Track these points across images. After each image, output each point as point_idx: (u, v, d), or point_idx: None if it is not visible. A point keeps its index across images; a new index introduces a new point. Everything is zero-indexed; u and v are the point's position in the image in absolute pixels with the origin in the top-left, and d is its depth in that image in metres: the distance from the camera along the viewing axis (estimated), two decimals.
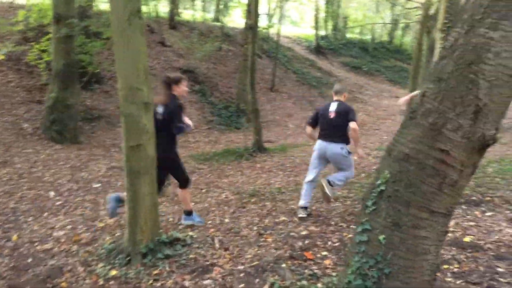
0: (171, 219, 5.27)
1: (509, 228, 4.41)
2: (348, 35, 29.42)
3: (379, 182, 2.16)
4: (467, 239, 4.12)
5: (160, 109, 4.33)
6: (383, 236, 2.09)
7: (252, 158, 9.04)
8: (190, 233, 4.50)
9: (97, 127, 10.91)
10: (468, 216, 4.80)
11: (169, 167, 4.51)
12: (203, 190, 6.87)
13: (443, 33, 5.55)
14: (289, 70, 18.78)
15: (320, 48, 24.62)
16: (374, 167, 8.08)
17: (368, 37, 30.38)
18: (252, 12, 9.50)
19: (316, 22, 25.06)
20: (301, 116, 15.08)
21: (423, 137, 2.00)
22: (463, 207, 5.11)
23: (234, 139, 11.27)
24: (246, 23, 13.23)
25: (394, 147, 2.13)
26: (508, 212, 4.92)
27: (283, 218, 5.14)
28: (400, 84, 24.39)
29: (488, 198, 5.32)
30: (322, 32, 27.26)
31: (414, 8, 21.05)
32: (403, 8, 28.85)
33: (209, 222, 5.10)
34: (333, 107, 5.06)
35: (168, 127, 4.27)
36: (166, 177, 4.66)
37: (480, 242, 4.01)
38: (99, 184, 7.09)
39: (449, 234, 4.25)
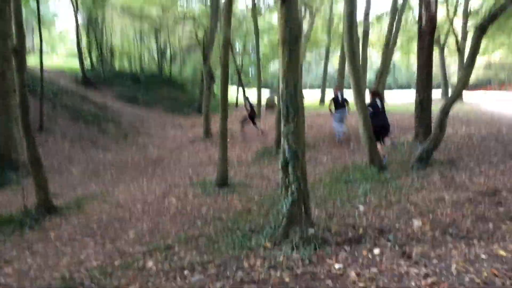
0: None
1: (412, 267, 3.74)
2: (117, 66, 27.59)
3: None
4: None
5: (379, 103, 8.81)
6: None
7: (39, 225, 6.56)
8: None
9: None
10: (361, 259, 3.97)
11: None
12: None
13: (284, 45, 4.74)
14: (58, 105, 15.88)
15: (88, 80, 22.10)
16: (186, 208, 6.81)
17: (138, 67, 29.19)
18: (14, 31, 7.04)
19: (80, 52, 22.45)
20: (84, 158, 12.67)
21: None
22: (346, 247, 4.30)
23: (1, 200, 8.27)
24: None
25: None
26: (389, 244, 4.33)
27: None
28: (179, 113, 23.99)
29: (361, 231, 4.67)
30: (86, 63, 24.73)
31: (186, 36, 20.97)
32: (167, 39, 28.92)
33: None
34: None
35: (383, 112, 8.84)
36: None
37: None
38: None
39: None
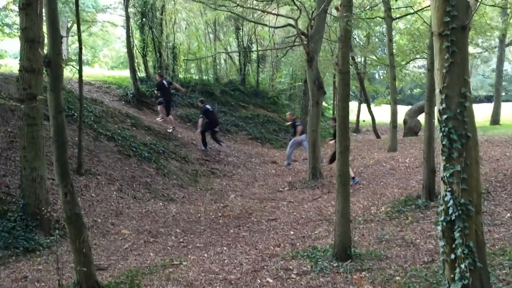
0: None
1: None
2: (182, 75, 28.95)
3: None
4: None
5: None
6: None
7: None
8: None
9: None
10: None
11: None
12: None
13: (442, 39, 4.64)
14: (101, 135, 16.96)
15: (142, 97, 23.40)
16: None
17: (211, 76, 30.39)
18: (48, 34, 7.67)
19: (131, 57, 23.90)
20: (137, 211, 13.31)
21: None
22: None
23: (30, 275, 8.90)
24: (24, 59, 11.18)
25: None
26: None
27: None
28: (270, 141, 24.41)
29: None
30: (140, 73, 26.27)
31: (281, 27, 21.45)
32: (253, 31, 29.87)
33: None
34: None
35: None
36: None
37: None
38: None
39: None
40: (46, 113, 10.13)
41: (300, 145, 19.69)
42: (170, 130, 20.61)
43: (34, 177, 11.01)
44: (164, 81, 20.83)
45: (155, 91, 21.57)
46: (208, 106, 20.61)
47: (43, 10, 9.67)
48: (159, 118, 21.51)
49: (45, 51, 7.90)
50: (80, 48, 15.90)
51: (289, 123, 20.62)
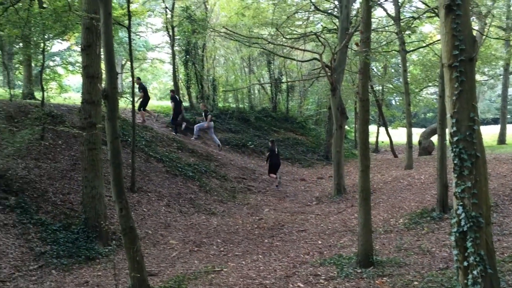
0: None
1: None
2: (221, 104, 29.18)
3: None
4: None
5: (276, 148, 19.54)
6: None
7: None
8: None
9: None
10: None
11: None
12: None
13: (452, 69, 4.58)
14: (151, 157, 17.13)
15: (186, 124, 23.59)
16: None
17: (246, 104, 30.55)
18: (105, 71, 7.81)
19: (177, 89, 24.24)
20: (183, 224, 13.35)
21: None
22: None
23: (90, 280, 8.98)
24: (85, 93, 11.41)
25: None
26: None
27: None
28: (300, 161, 24.29)
29: None
30: (185, 103, 26.53)
31: (307, 60, 21.49)
32: (282, 64, 30.00)
33: None
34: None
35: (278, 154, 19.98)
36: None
37: None
38: None
39: None
40: (104, 139, 10.28)
41: (208, 130, 22.45)
42: (140, 121, 21.08)
43: (94, 194, 11.19)
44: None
45: None
46: (176, 97, 22.91)
47: (101, 50, 9.99)
48: (193, 138, 22.52)
49: (103, 86, 8.03)
50: (133, 82, 16.20)
51: (202, 111, 22.73)
